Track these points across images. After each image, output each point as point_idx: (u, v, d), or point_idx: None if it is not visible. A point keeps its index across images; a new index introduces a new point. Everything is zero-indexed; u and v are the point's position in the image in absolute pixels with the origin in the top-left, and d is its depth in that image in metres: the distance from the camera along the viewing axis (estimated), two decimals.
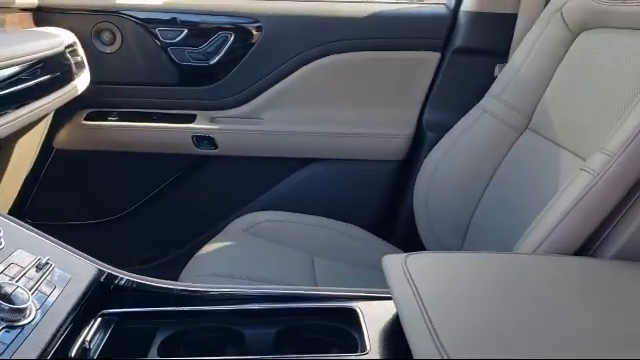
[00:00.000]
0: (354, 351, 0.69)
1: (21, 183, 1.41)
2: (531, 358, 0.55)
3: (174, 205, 1.59)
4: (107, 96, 1.48)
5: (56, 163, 1.53)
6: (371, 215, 1.55)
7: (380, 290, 0.79)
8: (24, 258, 0.69)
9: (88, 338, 0.67)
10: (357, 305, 0.76)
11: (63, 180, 1.55)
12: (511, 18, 1.37)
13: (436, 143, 1.32)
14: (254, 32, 1.44)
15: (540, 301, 0.66)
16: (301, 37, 1.44)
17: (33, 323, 0.61)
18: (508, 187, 1.16)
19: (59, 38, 1.25)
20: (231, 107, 1.50)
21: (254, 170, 1.55)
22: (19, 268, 0.66)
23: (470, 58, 1.42)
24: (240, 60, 1.45)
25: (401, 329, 0.63)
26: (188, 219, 1.58)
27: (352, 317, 0.75)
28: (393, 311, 0.75)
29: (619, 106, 0.91)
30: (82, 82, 1.33)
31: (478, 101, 1.29)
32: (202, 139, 1.49)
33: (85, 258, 0.76)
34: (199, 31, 1.45)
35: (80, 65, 1.34)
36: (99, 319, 0.71)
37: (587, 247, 0.81)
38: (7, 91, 1.03)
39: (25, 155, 1.36)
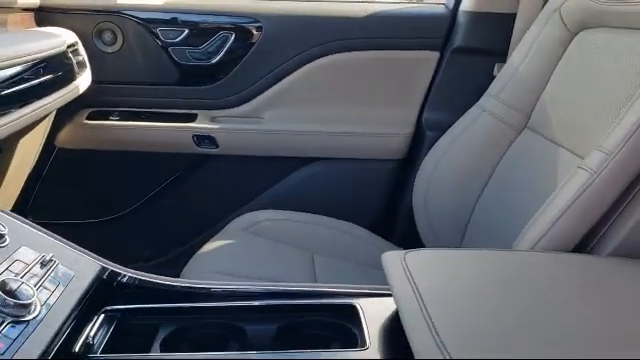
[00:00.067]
0: (354, 347, 0.70)
1: (23, 182, 1.41)
2: (531, 355, 0.56)
3: (175, 204, 1.60)
4: (108, 95, 1.48)
5: (58, 162, 1.53)
6: (371, 214, 1.56)
7: (380, 287, 0.80)
8: (28, 255, 0.70)
9: (92, 334, 0.68)
10: (357, 302, 0.77)
11: (65, 179, 1.55)
12: (510, 18, 1.38)
13: (435, 142, 1.33)
14: (254, 32, 1.45)
15: (539, 298, 0.67)
16: (301, 37, 1.45)
17: (38, 318, 0.62)
18: (507, 185, 1.17)
19: (61, 38, 1.26)
20: (232, 106, 1.51)
21: (254, 169, 1.56)
22: (24, 265, 0.67)
23: (469, 58, 1.43)
24: (240, 60, 1.46)
25: (401, 325, 0.63)
26: (189, 218, 1.59)
27: (352, 313, 0.75)
28: (393, 308, 0.76)
29: (617, 105, 0.92)
30: (84, 82, 1.34)
31: (477, 100, 1.29)
32: (203, 138, 1.50)
33: (88, 255, 0.77)
34: (200, 31, 1.46)
35: (82, 65, 1.34)
36: (102, 315, 0.72)
37: (585, 244, 0.82)
38: (10, 90, 1.03)
39: (27, 154, 1.37)
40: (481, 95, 1.29)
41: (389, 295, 0.73)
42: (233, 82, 1.48)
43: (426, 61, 1.47)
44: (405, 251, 0.76)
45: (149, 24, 1.44)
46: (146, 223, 1.61)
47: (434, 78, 1.48)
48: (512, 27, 1.38)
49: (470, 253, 0.83)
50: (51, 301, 0.65)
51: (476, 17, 1.41)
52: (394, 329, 0.72)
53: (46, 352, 0.59)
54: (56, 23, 1.39)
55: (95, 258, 0.78)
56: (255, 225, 1.33)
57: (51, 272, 0.69)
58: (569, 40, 1.13)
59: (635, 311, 0.66)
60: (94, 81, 1.40)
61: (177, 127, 1.49)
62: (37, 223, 0.80)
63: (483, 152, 1.23)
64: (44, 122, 1.36)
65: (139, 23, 1.43)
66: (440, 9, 1.48)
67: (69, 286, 0.69)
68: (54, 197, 1.56)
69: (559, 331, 0.60)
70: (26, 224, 0.77)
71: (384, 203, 1.57)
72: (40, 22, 1.40)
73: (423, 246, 1.29)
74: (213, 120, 1.51)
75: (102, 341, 0.69)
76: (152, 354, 0.69)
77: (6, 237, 0.70)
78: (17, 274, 0.65)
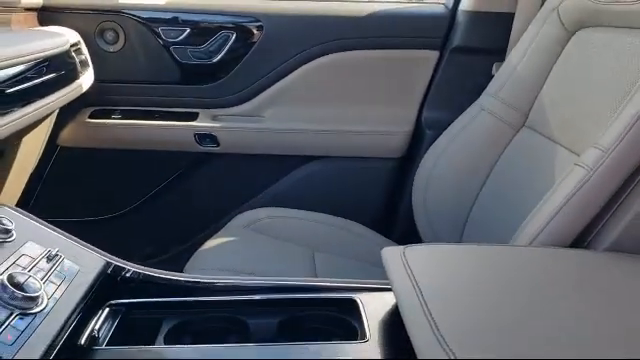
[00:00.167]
0: (354, 339, 0.71)
1: (26, 180, 1.42)
2: (530, 350, 0.57)
3: (176, 202, 1.61)
4: (110, 94, 1.50)
5: (60, 160, 1.55)
6: (371, 212, 1.57)
7: (380, 282, 0.81)
8: (34, 249, 0.71)
9: (97, 327, 0.69)
10: (357, 296, 0.78)
11: (67, 177, 1.57)
12: (508, 17, 1.40)
13: (435, 140, 1.34)
14: (255, 31, 1.46)
15: (537, 292, 0.68)
16: (301, 36, 1.46)
17: (45, 311, 0.63)
18: (505, 183, 1.18)
19: (64, 37, 1.27)
20: (233, 105, 1.52)
21: (255, 167, 1.57)
22: (30, 259, 0.68)
23: (468, 57, 1.45)
24: (241, 59, 1.47)
25: (400, 320, 0.64)
26: (190, 216, 1.60)
27: (352, 307, 0.77)
28: (392, 302, 0.77)
29: (614, 103, 0.93)
30: (86, 80, 1.35)
31: (476, 99, 1.31)
32: (204, 137, 1.51)
33: (93, 250, 0.79)
34: (201, 30, 1.47)
35: (84, 64, 1.35)
36: (107, 309, 0.73)
37: (581, 239, 0.83)
38: (13, 89, 1.04)
39: (30, 152, 1.38)
40: (480, 94, 1.30)
41: (389, 290, 0.74)
42: (234, 81, 1.49)
43: (426, 60, 1.48)
44: (404, 246, 0.77)
45: (151, 23, 1.45)
46: (148, 221, 1.62)
47: (433, 77, 1.49)
48: (511, 26, 1.40)
49: (469, 248, 0.84)
50: (57, 295, 0.67)
51: (475, 16, 1.42)
52: (394, 323, 0.73)
53: (53, 344, 0.61)
54: (59, 22, 1.40)
55: (100, 253, 0.79)
56: (256, 222, 1.34)
57: (57, 266, 0.70)
58: (567, 39, 1.14)
59: (632, 305, 0.67)
60: (96, 80, 1.41)
61: (178, 125, 1.50)
62: None
63: (482, 150, 1.24)
64: (47, 121, 1.37)
65: (141, 22, 1.45)
66: (439, 9, 1.50)
67: (74, 280, 0.71)
68: (56, 195, 1.57)
69: (557, 325, 0.61)
70: (32, 219, 0.78)
71: (384, 201, 1.58)
72: (43, 21, 1.41)
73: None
74: (214, 119, 1.52)
75: (107, 334, 0.70)
76: (156, 346, 0.70)
77: (13, 232, 0.71)
78: (24, 268, 0.66)
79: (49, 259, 0.70)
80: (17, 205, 1.39)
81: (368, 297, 0.78)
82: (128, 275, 0.79)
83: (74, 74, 1.29)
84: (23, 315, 0.60)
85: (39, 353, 0.58)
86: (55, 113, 1.38)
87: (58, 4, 1.42)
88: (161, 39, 1.46)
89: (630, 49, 0.96)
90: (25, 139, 1.30)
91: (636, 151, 0.80)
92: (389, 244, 1.38)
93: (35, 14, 1.40)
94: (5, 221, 0.72)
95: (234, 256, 1.18)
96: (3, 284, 0.61)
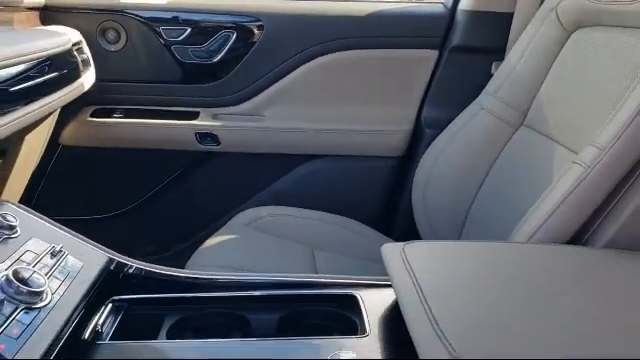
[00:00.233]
0: (354, 335, 0.72)
1: (28, 179, 1.43)
2: (528, 344, 0.58)
3: (177, 200, 1.62)
4: (112, 93, 1.50)
5: (62, 159, 1.55)
6: (371, 210, 1.58)
7: (379, 278, 0.82)
8: (39, 246, 0.72)
9: (100, 322, 0.70)
10: (357, 292, 0.79)
11: (69, 176, 1.57)
12: (507, 17, 1.40)
13: (434, 139, 1.35)
14: (255, 31, 1.47)
15: (535, 288, 0.69)
16: (302, 35, 1.46)
17: (49, 306, 0.64)
18: (504, 181, 1.19)
19: (66, 36, 1.27)
20: (233, 104, 1.52)
21: (256, 166, 1.58)
22: (34, 255, 0.69)
23: (467, 56, 1.45)
24: (242, 58, 1.48)
25: (400, 315, 0.65)
26: (191, 214, 1.61)
27: (352, 303, 0.77)
28: (392, 298, 0.78)
29: (611, 102, 0.94)
30: (88, 79, 1.36)
31: (475, 98, 1.31)
32: (205, 136, 1.52)
33: (96, 246, 0.79)
34: (202, 30, 1.47)
35: (86, 63, 1.36)
36: (110, 305, 0.74)
37: (579, 237, 0.84)
38: (16, 88, 1.05)
39: (32, 151, 1.39)
40: (479, 93, 1.31)
41: (389, 286, 0.75)
42: (235, 80, 1.50)
43: (425, 59, 1.49)
44: (404, 243, 0.78)
45: (152, 23, 1.45)
46: (149, 219, 1.63)
47: (433, 76, 1.50)
48: (509, 26, 1.40)
49: (468, 245, 0.85)
50: (61, 290, 0.67)
51: (474, 16, 1.43)
52: (393, 319, 0.74)
53: (57, 338, 0.62)
54: (60, 22, 1.40)
55: (102, 249, 0.80)
56: (257, 221, 1.35)
57: (61, 262, 0.71)
58: (565, 39, 1.15)
59: (629, 301, 0.68)
60: (98, 79, 1.42)
61: (179, 124, 1.51)
62: None
63: (481, 149, 1.25)
64: (48, 120, 1.38)
65: (142, 22, 1.45)
66: (439, 8, 1.50)
67: (78, 276, 0.72)
68: (58, 194, 1.57)
69: (556, 321, 0.62)
70: (36, 216, 0.79)
71: (384, 199, 1.59)
72: (45, 21, 1.42)
73: None
74: (215, 118, 1.53)
75: (110, 329, 0.71)
76: (158, 341, 0.71)
77: (17, 228, 0.72)
78: (29, 263, 0.67)
79: (53, 255, 0.71)
80: (19, 203, 1.40)
81: (368, 293, 0.79)
82: (131, 271, 0.80)
83: (76, 73, 1.29)
84: (28, 309, 0.61)
85: (44, 347, 0.59)
86: (57, 112, 1.39)
87: (60, 3, 1.43)
88: (162, 38, 1.46)
89: (627, 48, 0.97)
90: (27, 138, 1.30)
91: (633, 149, 0.81)
92: (389, 242, 1.38)
93: (37, 13, 1.41)
94: (9, 217, 0.73)
95: (235, 254, 1.19)
96: (8, 279, 0.61)
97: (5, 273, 0.62)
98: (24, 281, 0.63)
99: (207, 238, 1.27)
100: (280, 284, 0.81)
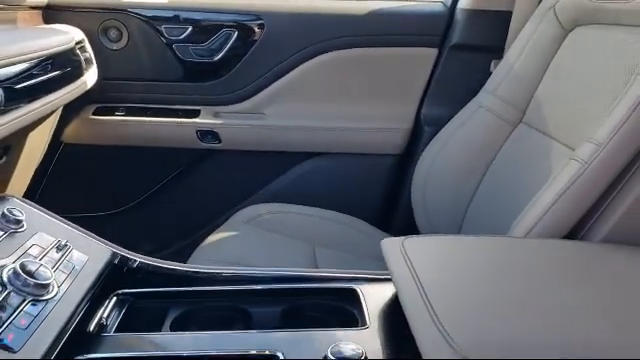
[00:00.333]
0: (355, 327, 0.73)
1: (30, 176, 1.44)
2: (526, 333, 0.59)
3: (178, 198, 1.63)
4: (114, 92, 1.51)
5: (64, 157, 1.56)
6: (371, 208, 1.59)
7: (379, 272, 0.83)
8: (45, 240, 0.73)
9: (105, 315, 0.71)
10: (357, 286, 0.80)
11: (71, 173, 1.58)
12: (506, 15, 1.41)
13: (434, 137, 1.36)
14: (256, 29, 1.48)
15: (532, 281, 0.70)
16: (302, 34, 1.48)
17: (56, 298, 0.65)
18: (502, 178, 1.20)
19: (69, 35, 1.28)
20: (234, 102, 1.53)
21: (256, 164, 1.59)
22: (41, 249, 0.71)
23: (467, 54, 1.46)
24: (243, 57, 1.49)
25: (399, 308, 0.66)
26: (192, 211, 1.62)
27: (353, 296, 0.79)
28: (392, 291, 0.79)
29: (608, 99, 0.95)
30: (91, 78, 1.37)
31: (474, 96, 1.33)
32: (206, 133, 1.53)
33: (100, 241, 0.81)
34: (203, 28, 1.48)
35: (88, 61, 1.37)
36: (114, 298, 0.76)
37: (576, 231, 0.86)
38: (20, 86, 1.06)
39: (35, 149, 1.39)
40: (478, 91, 1.32)
41: (388, 280, 0.76)
42: (236, 79, 1.51)
43: (425, 58, 1.50)
44: (403, 237, 0.79)
45: (154, 21, 1.47)
46: (150, 217, 1.64)
47: (432, 74, 1.51)
48: (508, 24, 1.41)
49: (466, 239, 0.86)
50: (67, 283, 0.69)
51: (473, 15, 1.44)
52: (393, 312, 0.75)
53: (64, 329, 0.63)
54: (63, 21, 1.41)
55: (107, 244, 0.81)
56: (257, 218, 1.36)
57: (66, 256, 0.72)
58: (563, 37, 1.16)
59: (625, 293, 0.69)
60: (100, 77, 1.43)
61: (181, 122, 1.52)
62: None
63: (480, 147, 1.26)
64: (51, 118, 1.39)
65: (144, 21, 1.46)
66: (438, 7, 1.52)
67: (83, 270, 0.73)
68: (60, 191, 1.58)
69: (555, 312, 0.63)
70: (41, 211, 0.81)
71: (383, 197, 1.60)
72: (47, 20, 1.43)
73: None
74: (216, 116, 1.54)
75: (115, 322, 0.72)
76: (162, 333, 0.72)
77: (23, 223, 0.73)
78: (35, 257, 0.68)
79: (59, 249, 0.72)
80: None
81: (368, 287, 0.81)
82: (135, 266, 0.82)
83: (78, 71, 1.31)
84: (35, 301, 0.63)
85: (51, 338, 0.60)
86: (59, 110, 1.40)
87: (62, 2, 1.44)
88: (164, 37, 1.47)
89: (624, 46, 0.98)
90: (30, 135, 1.31)
91: (630, 144, 0.82)
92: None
93: (40, 12, 1.42)
94: (16, 212, 0.74)
95: (236, 250, 1.20)
96: (16, 272, 0.63)
97: (13, 266, 0.64)
98: (31, 274, 0.64)
99: (208, 235, 1.28)
100: (281, 278, 0.83)
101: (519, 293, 0.67)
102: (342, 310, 0.78)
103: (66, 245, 0.74)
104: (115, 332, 0.71)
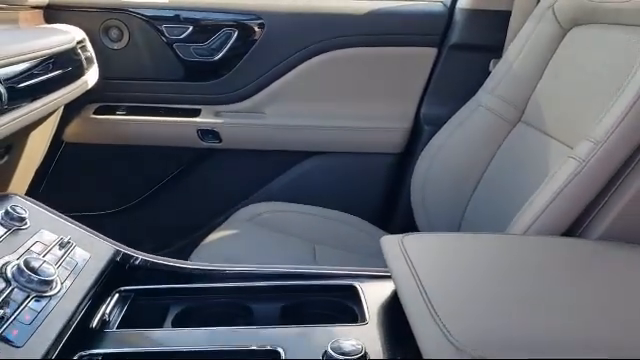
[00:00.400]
0: (355, 323, 0.74)
1: (32, 175, 1.45)
2: (523, 329, 0.59)
3: (179, 197, 1.64)
4: (115, 91, 1.52)
5: (65, 156, 1.57)
6: (370, 206, 1.59)
7: (379, 269, 0.84)
8: (48, 237, 0.74)
9: (107, 311, 0.72)
10: (357, 282, 0.81)
11: (72, 172, 1.59)
12: (505, 15, 1.42)
13: (433, 136, 1.36)
14: (256, 29, 1.49)
15: (531, 278, 0.71)
16: (302, 34, 1.48)
17: (59, 295, 0.66)
18: (502, 177, 1.21)
19: (70, 34, 1.29)
20: (235, 102, 1.54)
21: (257, 163, 1.60)
22: (44, 246, 0.71)
23: (466, 54, 1.47)
24: (243, 56, 1.50)
25: (399, 304, 0.67)
26: (193, 210, 1.62)
27: (353, 293, 0.79)
28: (391, 288, 0.80)
29: (606, 97, 0.95)
30: (91, 77, 1.37)
31: (473, 95, 1.33)
32: (207, 133, 1.53)
33: (103, 239, 0.81)
34: (203, 28, 1.49)
35: (90, 61, 1.38)
36: (116, 295, 0.76)
37: (574, 229, 0.86)
38: (22, 85, 1.06)
39: (36, 148, 1.40)
40: (477, 90, 1.33)
41: (388, 277, 0.77)
42: (236, 78, 1.52)
43: (424, 57, 1.50)
44: (402, 235, 0.79)
45: (154, 21, 1.47)
46: (151, 216, 1.65)
47: (432, 74, 1.52)
48: (507, 24, 1.42)
49: (464, 236, 0.86)
50: (70, 280, 0.69)
51: (472, 14, 1.45)
52: (393, 308, 0.76)
53: (67, 325, 0.64)
54: (64, 20, 1.42)
55: (109, 242, 0.82)
56: (258, 216, 1.37)
57: (69, 253, 0.73)
58: (562, 36, 1.17)
59: (622, 289, 0.70)
60: (101, 77, 1.43)
61: (181, 122, 1.52)
62: None
63: (479, 145, 1.26)
64: (52, 117, 1.39)
65: (145, 20, 1.47)
66: (437, 6, 1.52)
67: (86, 267, 0.74)
68: (61, 190, 1.59)
69: (554, 308, 0.63)
70: (44, 209, 0.81)
71: (383, 196, 1.60)
72: (48, 19, 1.44)
73: None
74: (217, 115, 1.54)
75: (117, 318, 0.73)
76: (164, 329, 0.73)
77: (27, 220, 0.74)
78: (38, 254, 0.69)
79: (61, 246, 0.73)
80: None
81: (368, 284, 0.81)
82: (137, 263, 0.82)
83: (79, 71, 1.31)
84: (39, 298, 0.63)
85: (55, 333, 0.61)
86: (60, 109, 1.41)
87: (63, 2, 1.45)
88: (164, 37, 1.48)
89: (622, 45, 0.98)
90: (32, 135, 1.32)
91: (627, 143, 0.82)
92: None
93: (41, 12, 1.42)
94: (19, 210, 0.75)
95: (236, 248, 1.21)
96: (20, 268, 0.63)
97: (17, 263, 0.65)
98: (35, 270, 0.65)
99: (209, 234, 1.28)
100: (282, 275, 0.83)
101: (517, 290, 0.67)
102: (342, 306, 0.79)
103: (69, 242, 0.74)
104: (117, 328, 0.71)
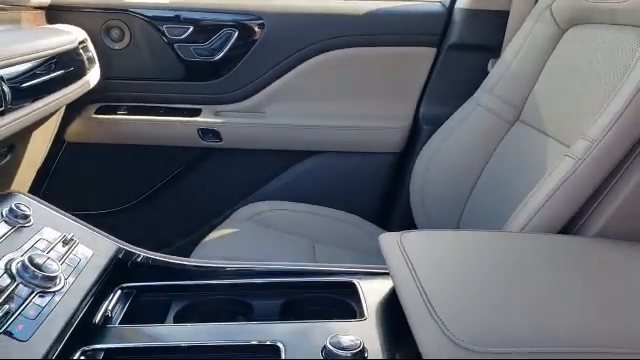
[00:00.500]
0: (353, 319, 0.75)
1: (34, 175, 1.46)
2: (521, 324, 0.60)
3: (180, 196, 1.65)
4: (116, 91, 1.53)
5: (67, 156, 1.58)
6: (370, 205, 1.60)
7: (377, 266, 0.85)
8: (51, 234, 0.75)
9: (110, 307, 0.73)
10: (356, 279, 0.82)
11: (73, 172, 1.60)
12: (503, 15, 1.43)
13: (432, 135, 1.37)
14: (257, 29, 1.50)
15: (527, 275, 0.72)
16: (302, 34, 1.49)
17: (62, 291, 0.67)
18: (500, 175, 1.22)
19: (72, 35, 1.30)
20: (235, 101, 1.55)
21: (257, 162, 1.61)
22: (47, 243, 0.72)
23: (464, 54, 1.48)
24: (243, 56, 1.51)
25: (397, 301, 0.68)
26: (194, 209, 1.63)
27: (351, 290, 0.80)
28: (390, 285, 0.81)
29: (602, 97, 0.96)
30: (93, 77, 1.38)
31: (472, 95, 1.34)
32: (207, 132, 1.54)
33: (105, 236, 0.82)
34: (204, 28, 1.50)
35: (91, 61, 1.39)
36: (119, 291, 0.77)
37: (570, 227, 0.87)
38: (24, 85, 1.07)
39: (38, 148, 1.41)
40: (476, 90, 1.34)
41: (386, 274, 0.78)
42: (236, 78, 1.53)
43: (423, 57, 1.51)
44: (401, 232, 0.80)
45: (155, 21, 1.48)
46: (152, 214, 1.66)
47: (431, 74, 1.52)
48: (506, 24, 1.43)
49: (462, 234, 0.87)
50: (73, 276, 0.71)
51: (471, 14, 1.46)
52: (391, 304, 0.77)
53: (70, 320, 0.65)
54: (65, 21, 1.43)
55: (112, 239, 0.83)
56: (258, 215, 1.38)
57: (72, 250, 0.74)
58: (559, 36, 1.18)
59: (617, 285, 0.71)
60: (102, 77, 1.44)
61: (182, 121, 1.53)
62: None
63: (477, 145, 1.27)
64: (54, 117, 1.40)
65: (146, 20, 1.48)
66: (436, 7, 1.53)
67: (88, 263, 0.75)
68: (63, 190, 1.60)
69: (549, 304, 0.64)
70: (47, 207, 0.82)
71: (382, 195, 1.61)
72: (50, 20, 1.45)
73: None
74: (217, 114, 1.55)
75: (119, 314, 0.74)
76: (165, 325, 0.74)
77: (31, 218, 0.75)
78: (42, 251, 0.70)
79: (65, 243, 0.74)
80: None
81: (366, 281, 0.82)
82: (139, 260, 0.83)
83: (81, 71, 1.32)
84: (43, 293, 0.64)
85: (58, 328, 0.62)
86: (62, 109, 1.42)
87: (65, 3, 1.46)
88: (165, 37, 1.49)
89: (619, 45, 0.99)
90: (34, 134, 1.33)
91: (622, 142, 0.83)
92: None
93: (43, 12, 1.43)
94: (23, 207, 0.76)
95: (237, 246, 1.22)
96: (24, 265, 0.65)
97: (21, 259, 0.66)
98: (39, 267, 0.66)
99: (210, 233, 1.29)
100: (282, 272, 0.84)
101: (515, 287, 0.68)
102: (341, 303, 0.80)
103: (72, 239, 0.76)
104: (120, 324, 0.73)
